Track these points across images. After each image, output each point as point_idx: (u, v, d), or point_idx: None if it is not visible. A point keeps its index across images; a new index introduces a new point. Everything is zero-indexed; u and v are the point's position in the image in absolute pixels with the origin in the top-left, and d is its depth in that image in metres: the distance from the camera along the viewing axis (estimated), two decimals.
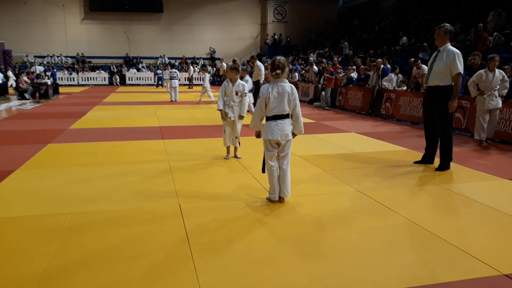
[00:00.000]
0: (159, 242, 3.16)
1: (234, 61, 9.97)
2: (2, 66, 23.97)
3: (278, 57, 3.95)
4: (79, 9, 29.12)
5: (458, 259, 2.93)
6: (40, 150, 6.47)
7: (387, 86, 11.52)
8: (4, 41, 25.78)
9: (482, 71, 7.11)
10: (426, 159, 5.70)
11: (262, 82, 11.03)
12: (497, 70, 7.08)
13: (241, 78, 6.66)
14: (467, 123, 8.23)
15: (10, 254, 2.97)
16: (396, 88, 11.37)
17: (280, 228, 3.46)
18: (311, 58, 17.75)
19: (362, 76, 12.68)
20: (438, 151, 5.53)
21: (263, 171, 4.13)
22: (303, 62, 23.08)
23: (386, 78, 11.66)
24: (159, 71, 24.87)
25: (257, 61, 11.50)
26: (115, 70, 28.32)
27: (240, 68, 6.10)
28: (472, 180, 5.02)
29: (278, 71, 3.89)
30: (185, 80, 25.58)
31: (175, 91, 15.47)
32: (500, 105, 7.17)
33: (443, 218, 3.75)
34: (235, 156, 6.07)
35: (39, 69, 24.49)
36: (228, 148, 6.05)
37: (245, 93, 5.97)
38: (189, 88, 23.48)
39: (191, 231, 3.35)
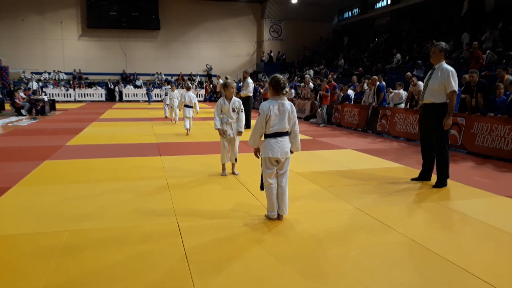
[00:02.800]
0: (158, 261, 3.13)
1: (226, 78, 10.31)
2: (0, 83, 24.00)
3: (279, 75, 3.99)
4: (76, 26, 29.33)
5: (458, 277, 2.92)
6: (37, 167, 6.44)
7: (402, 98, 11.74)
8: (1, 57, 25.85)
9: None
10: (423, 176, 5.72)
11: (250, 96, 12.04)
12: None
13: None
14: (462, 140, 8.30)
15: (7, 273, 2.94)
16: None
17: (279, 246, 3.44)
18: (307, 76, 17.89)
19: (362, 97, 12.80)
20: (435, 168, 5.56)
21: (262, 189, 4.13)
22: (299, 79, 23.29)
23: (401, 95, 11.88)
24: (149, 88, 25.66)
25: (248, 77, 12.38)
26: (112, 86, 28.40)
27: (235, 85, 6.15)
28: (469, 197, 5.04)
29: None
30: None
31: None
32: None
33: (441, 236, 3.75)
34: (233, 173, 6.06)
35: (35, 85, 24.52)
36: (224, 165, 6.06)
37: (241, 109, 6.01)
38: None
39: (190, 250, 3.33)
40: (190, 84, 13.94)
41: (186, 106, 10.54)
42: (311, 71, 23.98)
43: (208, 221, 4.03)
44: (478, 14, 17.97)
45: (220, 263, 3.10)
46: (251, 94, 12.12)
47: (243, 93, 11.89)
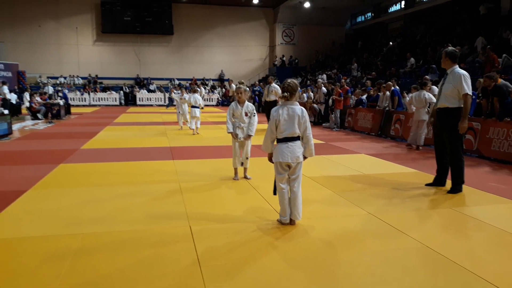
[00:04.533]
0: (170, 265, 3.14)
1: (240, 83, 10.39)
2: (16, 87, 24.43)
3: (289, 80, 3.99)
4: (91, 32, 29.81)
5: (472, 284, 2.87)
6: (52, 170, 6.54)
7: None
8: (18, 62, 26.40)
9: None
10: (438, 181, 5.65)
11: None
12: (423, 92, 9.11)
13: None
14: (478, 144, 8.17)
15: (21, 274, 2.98)
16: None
17: (292, 252, 3.43)
18: (320, 80, 17.82)
19: (377, 102, 12.66)
20: (449, 173, 5.49)
21: (274, 193, 4.12)
22: (312, 82, 23.24)
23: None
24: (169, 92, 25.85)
25: (273, 83, 13.29)
26: (127, 90, 28.72)
27: (247, 90, 6.16)
28: (485, 203, 4.96)
29: (286, 94, 3.93)
30: None
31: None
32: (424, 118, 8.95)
33: (455, 242, 3.70)
34: (245, 177, 6.07)
35: (51, 89, 24.94)
36: (236, 169, 6.06)
37: (254, 113, 6.00)
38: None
39: (202, 254, 3.34)
40: (197, 88, 14.63)
41: (193, 107, 11.44)
42: (324, 76, 23.89)
43: (220, 225, 4.04)
44: (494, 17, 17.73)
45: (233, 267, 3.10)
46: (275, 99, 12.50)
47: (268, 98, 12.68)
